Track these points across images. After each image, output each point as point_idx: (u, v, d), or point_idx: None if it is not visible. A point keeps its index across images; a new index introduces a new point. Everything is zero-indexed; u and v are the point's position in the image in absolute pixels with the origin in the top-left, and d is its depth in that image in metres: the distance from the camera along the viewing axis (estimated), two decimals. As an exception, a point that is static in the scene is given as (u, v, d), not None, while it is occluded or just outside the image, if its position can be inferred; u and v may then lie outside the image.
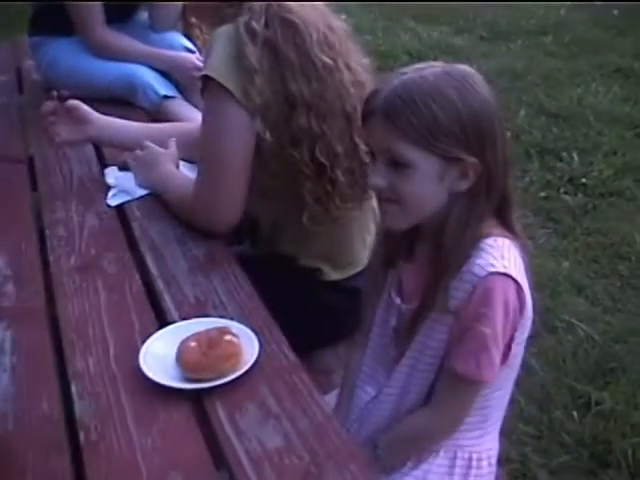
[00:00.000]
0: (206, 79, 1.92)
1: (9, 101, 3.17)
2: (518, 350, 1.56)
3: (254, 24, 1.91)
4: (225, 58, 1.90)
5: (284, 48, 1.91)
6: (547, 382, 2.85)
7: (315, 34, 1.94)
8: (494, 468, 1.66)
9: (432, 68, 1.46)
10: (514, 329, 1.49)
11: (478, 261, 1.44)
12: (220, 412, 1.43)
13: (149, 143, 2.23)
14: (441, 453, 1.60)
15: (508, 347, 1.50)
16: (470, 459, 1.61)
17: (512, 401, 2.74)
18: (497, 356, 1.47)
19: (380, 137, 1.47)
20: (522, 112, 5.16)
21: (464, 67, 1.49)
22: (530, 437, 2.64)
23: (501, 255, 1.45)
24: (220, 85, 1.89)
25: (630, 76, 5.86)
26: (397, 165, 1.45)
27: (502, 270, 1.43)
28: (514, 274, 1.44)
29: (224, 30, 1.94)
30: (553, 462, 2.53)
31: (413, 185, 1.46)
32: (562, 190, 4.28)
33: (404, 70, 1.49)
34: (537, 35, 6.90)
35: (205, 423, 1.42)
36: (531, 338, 3.02)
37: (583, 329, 3.12)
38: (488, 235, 1.47)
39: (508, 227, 1.52)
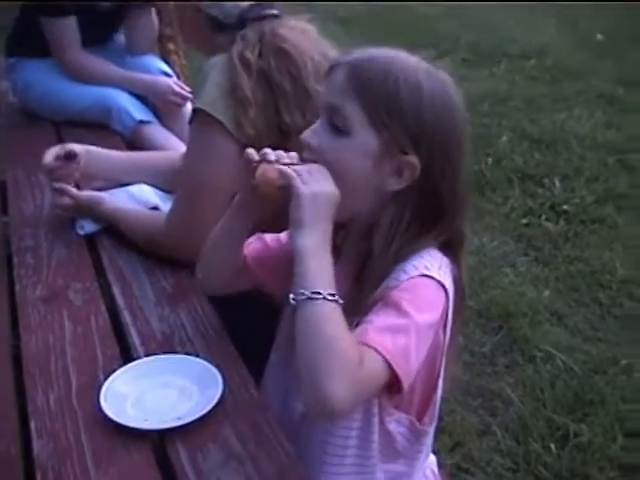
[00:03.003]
0: (198, 111, 1.89)
1: (-16, 123, 3.13)
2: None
3: (248, 54, 1.88)
4: (218, 91, 1.87)
5: (278, 78, 1.88)
6: (524, 413, 2.81)
7: (310, 63, 1.91)
8: None
9: (419, 64, 1.41)
10: (439, 345, 1.36)
11: (413, 262, 1.33)
12: (181, 453, 1.39)
13: (65, 187, 2.19)
14: None
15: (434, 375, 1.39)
16: None
17: (488, 433, 2.77)
18: (414, 356, 1.26)
19: (336, 90, 1.38)
20: (504, 137, 5.15)
21: (448, 78, 1.44)
22: (506, 470, 2.60)
23: (439, 266, 1.34)
24: (211, 117, 1.85)
25: (613, 102, 5.86)
26: (335, 129, 1.37)
27: (437, 277, 1.32)
28: (447, 287, 1.33)
29: (218, 60, 1.91)
30: (529, 496, 2.50)
31: (343, 154, 1.36)
32: (543, 217, 4.25)
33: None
34: (520, 59, 6.89)
35: (166, 465, 1.38)
36: (508, 367, 3.08)
37: (562, 359, 3.09)
38: (427, 247, 1.36)
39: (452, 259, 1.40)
